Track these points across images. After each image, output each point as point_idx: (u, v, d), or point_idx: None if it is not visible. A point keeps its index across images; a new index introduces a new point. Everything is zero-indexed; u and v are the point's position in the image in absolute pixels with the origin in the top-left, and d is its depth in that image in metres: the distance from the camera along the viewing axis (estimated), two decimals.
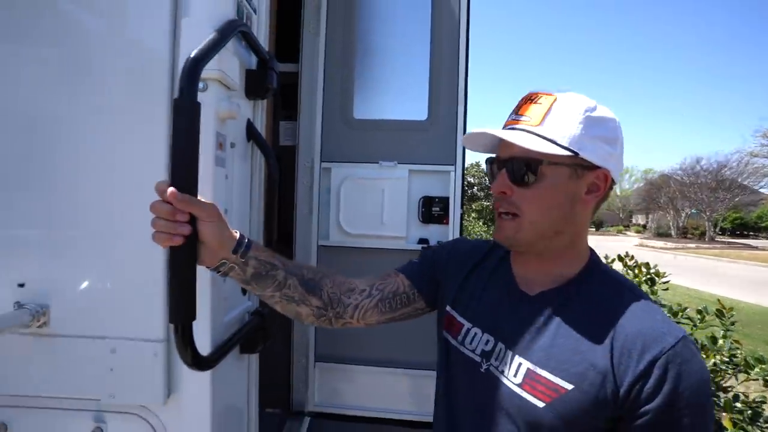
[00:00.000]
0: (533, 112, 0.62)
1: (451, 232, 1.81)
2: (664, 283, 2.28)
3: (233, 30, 0.82)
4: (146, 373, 0.85)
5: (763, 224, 32.84)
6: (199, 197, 0.62)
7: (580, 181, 0.62)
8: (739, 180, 28.33)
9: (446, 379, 0.74)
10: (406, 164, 1.83)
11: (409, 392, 1.83)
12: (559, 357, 0.60)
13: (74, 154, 0.86)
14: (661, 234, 32.56)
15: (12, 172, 0.87)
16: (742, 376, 1.60)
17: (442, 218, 1.82)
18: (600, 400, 0.56)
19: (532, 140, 0.61)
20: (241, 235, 0.67)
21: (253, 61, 1.05)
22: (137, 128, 0.86)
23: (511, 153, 0.64)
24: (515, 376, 0.62)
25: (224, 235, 0.64)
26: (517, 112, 0.65)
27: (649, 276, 2.29)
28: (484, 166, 0.78)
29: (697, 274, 11.01)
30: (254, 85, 1.05)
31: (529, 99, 0.65)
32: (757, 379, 1.56)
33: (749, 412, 1.43)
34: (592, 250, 0.69)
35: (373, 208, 1.82)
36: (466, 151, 1.85)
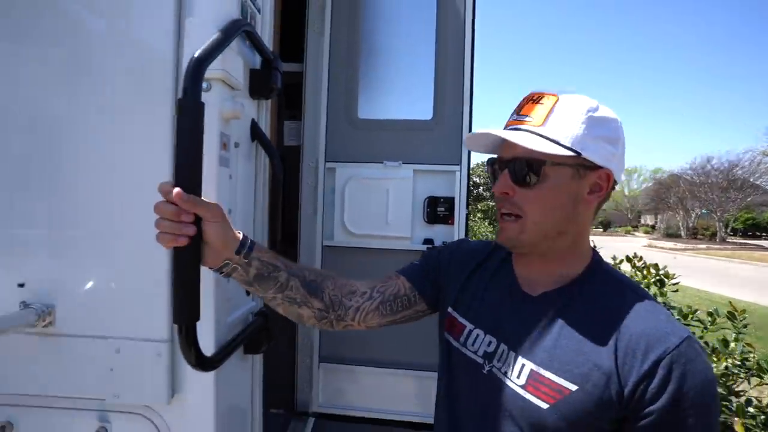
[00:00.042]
0: (536, 113, 0.62)
1: (456, 232, 1.80)
2: (674, 284, 2.24)
3: (237, 30, 0.81)
4: (150, 373, 0.85)
5: None
6: (202, 197, 0.62)
7: (583, 181, 0.62)
8: (752, 179, 27.86)
9: (447, 380, 0.73)
10: (411, 164, 1.82)
11: (414, 393, 1.82)
12: (562, 358, 0.59)
13: (78, 154, 0.87)
14: (671, 235, 32.14)
15: (18, 172, 0.88)
16: (754, 380, 1.56)
17: (448, 218, 1.81)
18: (604, 401, 0.55)
19: (535, 141, 0.60)
20: (244, 235, 0.67)
21: (257, 61, 1.05)
22: (141, 128, 0.87)
23: (513, 153, 0.63)
24: (518, 377, 0.62)
25: (228, 235, 0.64)
26: (519, 112, 0.64)
27: (658, 278, 2.25)
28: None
29: (707, 275, 10.84)
30: (258, 84, 1.05)
31: (531, 99, 0.64)
32: None
33: (762, 417, 1.39)
34: (594, 251, 0.69)
35: (378, 208, 1.82)
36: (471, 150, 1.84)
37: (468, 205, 1.84)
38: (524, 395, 0.60)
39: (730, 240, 29.39)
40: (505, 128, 0.66)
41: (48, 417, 0.89)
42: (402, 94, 1.90)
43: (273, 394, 1.73)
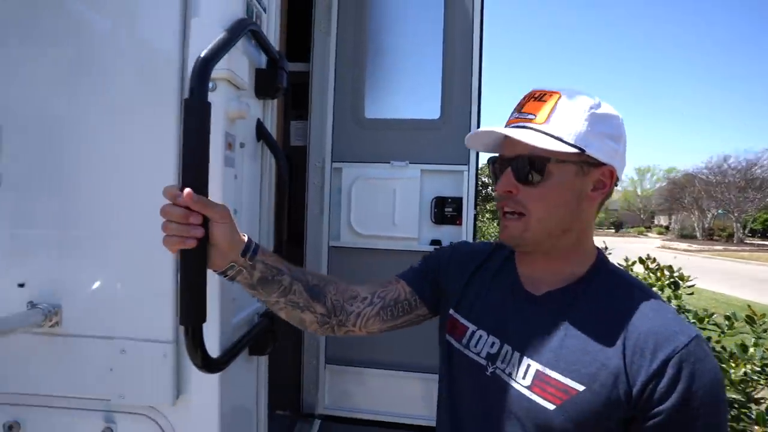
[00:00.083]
0: (538, 110, 0.61)
1: (464, 233, 1.78)
2: (689, 287, 2.18)
3: (243, 29, 0.81)
4: (155, 374, 0.85)
5: None
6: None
7: (586, 178, 0.62)
8: None
9: (449, 382, 0.72)
10: (418, 164, 1.80)
11: (421, 396, 1.80)
12: (568, 358, 0.58)
13: (84, 155, 0.87)
14: (685, 236, 31.49)
15: (25, 173, 0.88)
16: None
17: (455, 219, 1.79)
18: (612, 401, 0.55)
19: (539, 138, 0.60)
20: (249, 238, 0.67)
21: (263, 61, 1.04)
22: (147, 129, 0.87)
23: (516, 151, 0.63)
24: (524, 378, 0.61)
25: (234, 237, 0.64)
26: (521, 110, 0.64)
27: (672, 280, 2.20)
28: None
29: (724, 277, 10.58)
30: (264, 84, 1.04)
31: (533, 97, 0.64)
32: None
33: None
34: (598, 249, 0.68)
35: (385, 208, 1.80)
36: None
37: (476, 205, 1.82)
38: (530, 396, 0.59)
39: (748, 241, 28.68)
40: (506, 126, 0.65)
41: (54, 417, 0.89)
42: (409, 94, 1.89)
43: (279, 395, 1.74)
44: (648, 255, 2.42)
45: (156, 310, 0.85)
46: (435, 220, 1.80)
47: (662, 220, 43.11)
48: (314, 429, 1.79)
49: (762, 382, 1.51)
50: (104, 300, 0.86)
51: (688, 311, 2.00)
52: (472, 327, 0.70)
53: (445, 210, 1.79)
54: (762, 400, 1.50)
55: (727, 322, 1.77)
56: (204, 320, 0.63)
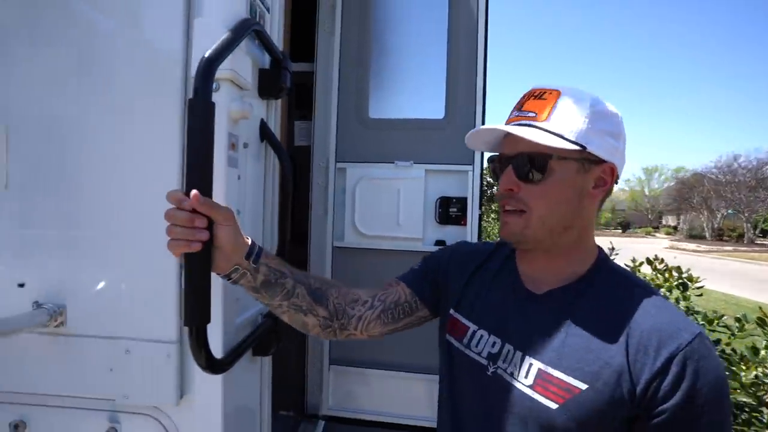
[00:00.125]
0: (538, 108, 0.62)
1: (469, 233, 1.76)
2: (698, 288, 2.15)
3: (246, 29, 0.81)
4: (159, 374, 0.85)
5: None
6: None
7: (588, 175, 0.62)
8: None
9: (449, 382, 0.72)
10: (423, 164, 1.79)
11: (425, 397, 1.79)
12: (571, 356, 0.58)
13: (89, 155, 0.88)
14: (694, 236, 31.06)
15: (30, 173, 0.89)
16: None
17: (460, 219, 1.77)
18: (616, 400, 0.54)
19: (541, 135, 0.59)
20: (252, 241, 0.67)
21: (266, 61, 1.04)
22: (152, 129, 0.87)
23: (517, 149, 0.63)
24: (526, 377, 0.60)
25: (239, 240, 0.64)
26: (521, 108, 0.64)
27: (680, 281, 2.16)
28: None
29: (734, 278, 10.42)
30: (268, 84, 1.04)
31: (533, 95, 0.64)
32: None
33: None
34: (599, 248, 0.68)
35: (389, 208, 1.80)
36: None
37: (481, 205, 1.80)
38: (532, 395, 0.59)
39: (759, 242, 28.22)
40: (506, 124, 0.65)
41: (59, 417, 0.90)
42: (413, 93, 1.88)
43: (283, 396, 1.73)
44: (656, 256, 2.39)
45: (160, 310, 0.85)
46: (439, 221, 1.79)
47: (670, 221, 42.61)
48: (318, 430, 1.79)
49: None
50: (108, 300, 0.87)
51: (697, 313, 1.97)
52: (473, 327, 0.69)
53: (450, 210, 1.78)
54: None
55: (737, 324, 1.74)
56: (208, 321, 0.63)
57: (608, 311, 0.59)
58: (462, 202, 1.77)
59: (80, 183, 0.88)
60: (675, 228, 39.15)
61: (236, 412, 0.93)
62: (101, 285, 0.87)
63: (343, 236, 1.85)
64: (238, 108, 0.87)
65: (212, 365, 0.68)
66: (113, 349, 0.85)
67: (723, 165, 29.03)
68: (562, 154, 0.60)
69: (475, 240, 1.77)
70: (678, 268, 2.21)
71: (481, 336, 0.68)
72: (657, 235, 37.04)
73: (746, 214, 27.31)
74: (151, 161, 0.87)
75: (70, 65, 0.88)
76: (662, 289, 2.13)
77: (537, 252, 0.67)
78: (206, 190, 0.61)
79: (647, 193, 46.22)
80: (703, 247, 23.04)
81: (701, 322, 1.87)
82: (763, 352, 1.54)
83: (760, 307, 1.73)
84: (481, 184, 1.79)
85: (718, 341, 1.75)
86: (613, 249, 2.78)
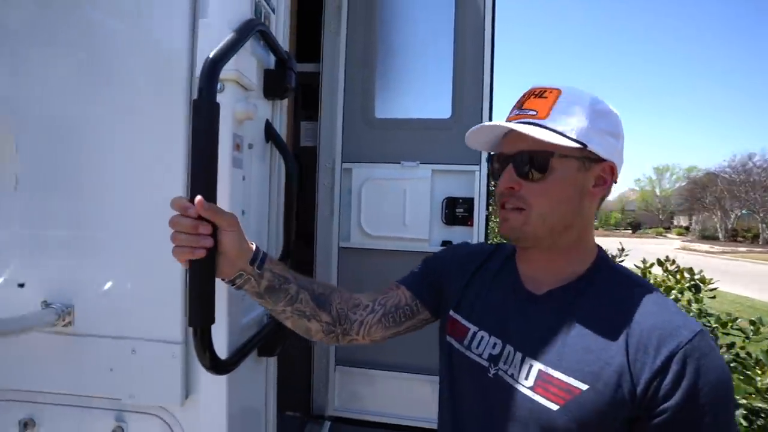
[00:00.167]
0: (539, 106, 0.62)
1: (476, 234, 1.75)
2: (711, 290, 2.11)
3: (251, 30, 0.81)
4: (165, 374, 0.86)
5: None
6: (216, 199, 0.62)
7: (588, 174, 0.62)
8: None
9: (450, 383, 0.72)
10: (429, 164, 1.77)
11: (431, 398, 1.76)
12: (571, 357, 0.58)
13: (96, 156, 0.88)
14: (707, 237, 30.48)
15: (38, 174, 0.90)
16: None
17: (467, 220, 1.76)
18: (617, 400, 0.54)
19: (543, 132, 0.59)
20: (256, 246, 0.67)
21: (271, 61, 1.04)
22: (158, 130, 0.87)
23: (518, 147, 0.63)
24: (526, 378, 0.60)
25: (243, 245, 0.64)
26: (521, 106, 0.64)
27: (693, 283, 2.12)
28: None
29: (748, 279, 10.20)
30: (273, 85, 1.04)
31: (533, 93, 0.64)
32: None
33: None
34: (599, 247, 0.68)
35: (395, 209, 1.79)
36: None
37: (488, 206, 1.79)
38: (533, 397, 0.58)
39: None
40: (507, 122, 0.65)
41: (67, 415, 0.91)
42: (420, 93, 1.87)
43: (289, 396, 1.74)
44: (667, 257, 2.34)
45: (165, 310, 0.86)
46: (446, 221, 1.77)
47: (682, 221, 41.89)
48: (324, 430, 1.79)
49: None
50: (115, 300, 0.87)
51: (710, 315, 1.93)
52: (473, 328, 0.69)
53: (457, 211, 1.76)
54: None
55: (752, 327, 1.70)
56: (212, 322, 0.63)
57: (608, 310, 0.59)
58: (469, 203, 1.75)
59: (88, 184, 0.89)
60: (687, 228, 38.47)
61: (241, 413, 0.93)
62: (108, 285, 0.88)
63: (349, 237, 1.85)
64: (243, 108, 0.87)
65: (216, 366, 0.69)
66: (119, 349, 0.86)
67: (737, 164, 28.50)
68: (563, 152, 0.60)
69: (481, 241, 1.75)
70: (690, 270, 2.16)
71: (482, 337, 0.67)
72: (668, 235, 36.43)
73: (761, 215, 26.72)
74: (158, 162, 0.87)
75: (77, 66, 0.89)
76: (674, 291, 2.09)
77: (537, 251, 0.66)
78: (211, 192, 0.61)
79: (658, 193, 45.50)
80: (717, 248, 22.59)
81: (714, 325, 1.83)
82: None
83: None
84: (488, 184, 1.77)
85: (732, 345, 1.71)
86: (623, 250, 2.73)
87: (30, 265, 0.89)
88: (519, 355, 0.62)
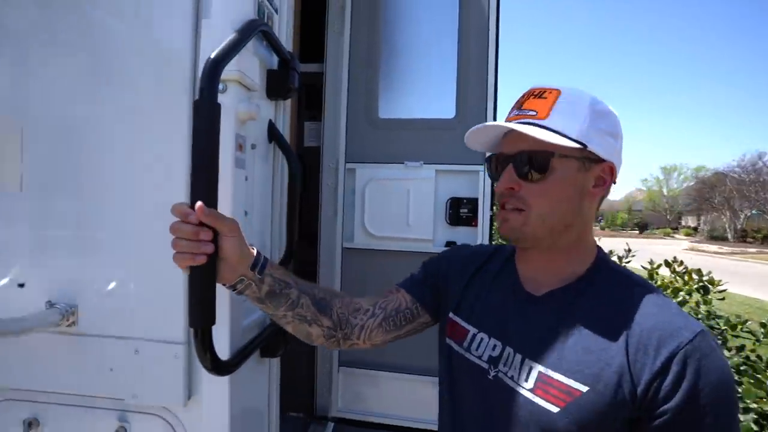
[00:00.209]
0: (539, 107, 0.62)
1: (480, 234, 1.73)
2: (720, 291, 2.07)
3: (253, 30, 0.81)
4: (167, 374, 0.86)
5: None
6: (218, 198, 0.61)
7: (588, 174, 0.62)
8: None
9: (449, 384, 0.71)
10: (433, 164, 1.76)
11: (435, 400, 1.76)
12: (571, 358, 0.57)
13: (100, 156, 0.89)
14: (716, 237, 30.07)
15: (43, 175, 0.90)
16: None
17: (471, 220, 1.75)
18: (617, 401, 0.53)
19: (544, 132, 0.59)
20: (258, 251, 0.67)
21: (274, 61, 1.04)
22: (162, 131, 0.87)
23: (518, 148, 0.62)
24: (526, 381, 0.60)
25: (244, 250, 0.64)
26: (520, 107, 0.64)
27: (701, 284, 2.09)
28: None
29: (758, 281, 10.04)
30: (276, 85, 1.04)
31: (533, 94, 0.64)
32: None
33: None
34: (599, 247, 0.67)
35: (399, 209, 1.78)
36: None
37: (492, 206, 1.77)
38: (533, 399, 0.58)
39: None
40: (507, 123, 0.64)
41: (71, 414, 0.91)
42: (423, 93, 1.86)
43: (293, 397, 1.73)
44: (674, 258, 2.31)
45: (168, 311, 0.86)
46: (450, 222, 1.76)
47: (690, 221, 41.42)
48: (327, 431, 1.78)
49: None
50: (118, 300, 0.87)
51: (719, 317, 1.90)
52: (473, 330, 0.69)
53: (461, 211, 1.75)
54: None
55: (762, 330, 1.67)
56: (213, 323, 0.63)
57: (608, 310, 0.58)
58: (473, 203, 1.74)
59: (91, 184, 0.89)
60: (695, 229, 38.02)
61: (244, 413, 0.93)
62: (111, 285, 0.88)
63: (352, 237, 1.84)
64: (246, 109, 0.87)
65: (218, 367, 0.68)
66: (122, 349, 0.86)
67: (747, 163, 28.16)
68: (563, 153, 0.60)
69: (486, 242, 1.74)
70: (698, 271, 2.13)
71: (482, 339, 0.67)
72: (676, 236, 36.04)
73: None
74: (161, 162, 0.87)
75: (80, 67, 0.89)
76: (682, 293, 2.06)
77: (537, 252, 0.66)
78: (212, 194, 0.60)
79: (666, 193, 45.03)
80: (726, 248, 22.29)
81: (724, 327, 1.80)
82: None
83: None
84: (493, 184, 1.76)
85: (742, 347, 1.68)
86: (629, 251, 2.70)
87: (34, 265, 0.90)
88: (519, 356, 0.62)
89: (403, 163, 1.78)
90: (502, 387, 0.62)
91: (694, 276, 2.12)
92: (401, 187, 1.78)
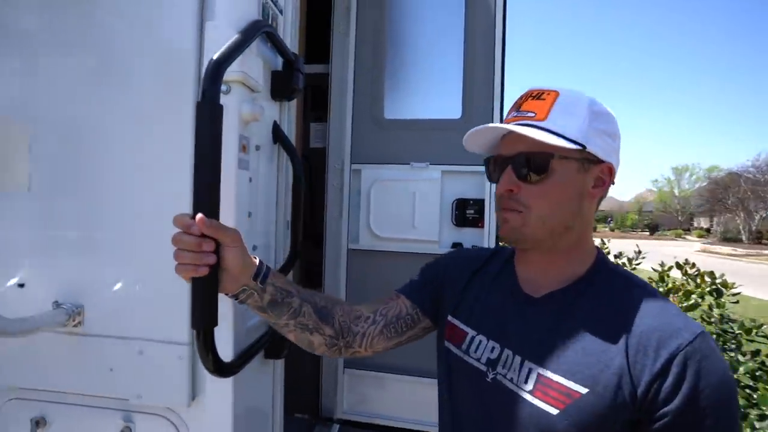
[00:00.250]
0: (538, 108, 0.62)
1: (486, 236, 1.72)
2: (734, 294, 2.02)
3: (257, 31, 0.81)
4: (171, 375, 0.86)
5: None
6: (220, 199, 0.61)
7: (588, 175, 0.62)
8: None
9: (448, 386, 0.71)
10: (439, 165, 1.75)
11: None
12: (570, 359, 0.57)
13: (105, 157, 0.89)
14: (729, 239, 29.47)
15: (48, 175, 0.91)
16: None
17: (477, 221, 1.73)
18: (617, 403, 0.53)
19: (543, 134, 0.59)
20: (260, 261, 0.67)
21: (279, 62, 1.04)
22: (166, 132, 0.88)
23: (517, 149, 0.62)
24: (525, 382, 0.59)
25: (246, 260, 0.64)
26: (519, 108, 0.64)
27: (714, 286, 2.04)
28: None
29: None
30: (280, 86, 1.04)
31: (531, 95, 0.64)
32: None
33: None
34: (598, 249, 0.67)
35: (404, 210, 1.77)
36: None
37: None
38: (532, 401, 0.58)
39: None
40: (505, 124, 0.64)
41: (77, 414, 0.92)
42: (429, 93, 1.85)
43: (298, 398, 1.73)
44: (686, 260, 2.27)
45: (172, 312, 0.86)
46: (456, 223, 1.75)
47: (702, 223, 40.67)
48: None
49: None
50: (123, 301, 0.88)
51: (733, 321, 1.85)
52: (471, 332, 0.68)
53: (467, 212, 1.74)
54: None
55: None
56: (215, 324, 0.63)
57: (608, 312, 0.58)
58: (479, 204, 1.73)
59: (98, 185, 0.90)
60: (708, 230, 37.33)
61: (247, 415, 0.93)
62: (117, 286, 0.89)
63: (358, 238, 1.84)
64: (249, 110, 0.87)
65: (220, 368, 0.68)
66: (127, 350, 0.87)
67: (762, 163, 27.56)
68: (563, 154, 0.60)
69: (492, 243, 1.72)
70: (711, 273, 2.08)
71: (480, 341, 0.67)
72: (688, 237, 35.39)
73: None
74: (166, 164, 0.88)
75: (85, 69, 0.90)
76: (694, 296, 2.01)
77: (537, 253, 0.66)
78: (214, 195, 0.60)
79: (677, 193, 44.29)
80: (740, 250, 21.82)
81: (738, 331, 1.75)
82: None
83: None
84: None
85: (757, 352, 1.64)
86: (639, 252, 2.65)
87: (41, 265, 0.91)
88: (518, 358, 0.61)
89: (408, 163, 1.78)
90: (500, 389, 0.62)
91: (707, 278, 2.07)
92: (407, 188, 1.77)
